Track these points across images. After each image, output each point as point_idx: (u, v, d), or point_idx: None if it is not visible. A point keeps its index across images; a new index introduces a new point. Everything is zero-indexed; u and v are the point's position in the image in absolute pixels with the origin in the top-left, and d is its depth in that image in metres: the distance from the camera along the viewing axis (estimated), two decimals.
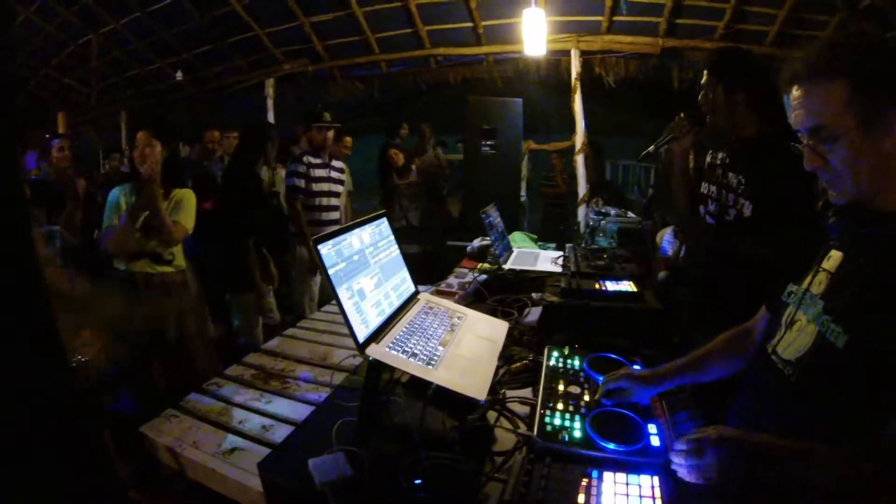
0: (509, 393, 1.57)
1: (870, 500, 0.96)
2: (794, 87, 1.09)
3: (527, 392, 1.58)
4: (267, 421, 1.85)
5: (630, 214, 5.40)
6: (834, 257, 1.15)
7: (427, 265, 5.00)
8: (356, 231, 1.49)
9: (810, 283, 1.18)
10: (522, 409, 1.49)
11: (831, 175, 1.08)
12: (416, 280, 1.88)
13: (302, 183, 3.89)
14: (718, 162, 2.28)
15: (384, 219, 1.70)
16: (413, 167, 5.73)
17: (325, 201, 4.05)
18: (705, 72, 2.26)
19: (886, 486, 0.93)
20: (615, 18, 5.50)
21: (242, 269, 3.47)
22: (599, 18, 5.53)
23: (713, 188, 2.29)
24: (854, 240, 1.13)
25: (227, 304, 3.62)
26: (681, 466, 1.06)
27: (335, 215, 4.16)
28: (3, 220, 0.58)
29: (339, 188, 4.18)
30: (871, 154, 1.03)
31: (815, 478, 0.97)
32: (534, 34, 4.71)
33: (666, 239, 5.03)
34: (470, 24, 5.86)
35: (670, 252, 4.89)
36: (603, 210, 4.89)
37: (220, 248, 3.57)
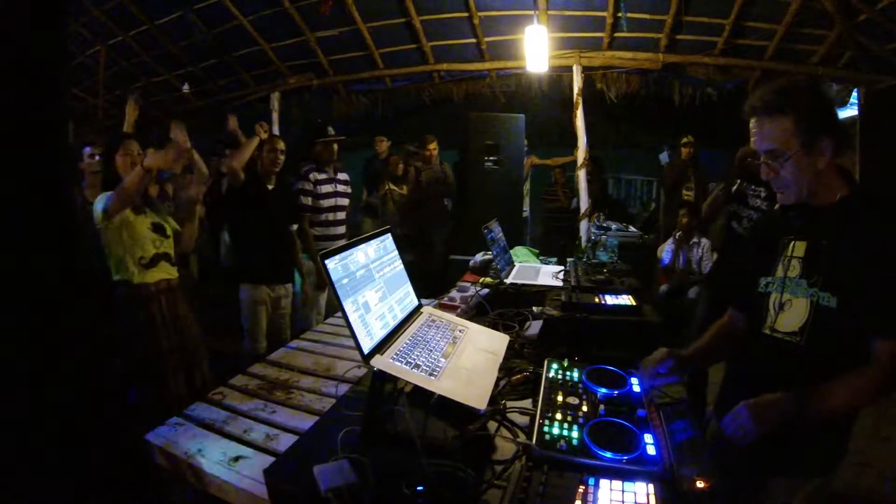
0: (510, 404, 1.61)
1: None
2: (753, 119, 1.46)
3: (527, 403, 1.62)
4: (271, 430, 1.87)
5: (632, 229, 5.45)
6: (798, 246, 1.51)
7: (427, 278, 5.04)
8: (362, 246, 1.54)
9: (786, 271, 1.51)
10: (522, 420, 1.52)
11: (781, 183, 1.47)
12: (418, 293, 1.92)
13: (309, 200, 3.93)
14: (756, 194, 2.97)
15: (388, 234, 1.74)
16: (421, 178, 5.76)
17: (331, 216, 4.08)
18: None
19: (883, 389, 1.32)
20: (616, 35, 5.56)
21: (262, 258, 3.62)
22: (601, 35, 5.59)
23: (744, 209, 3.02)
24: (813, 229, 1.48)
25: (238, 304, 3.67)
26: (731, 430, 1.36)
27: (341, 229, 4.19)
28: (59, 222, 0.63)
29: (345, 201, 4.22)
30: (810, 169, 1.42)
31: (832, 405, 1.33)
32: (536, 51, 4.77)
33: (666, 251, 5.10)
34: (473, 41, 5.93)
35: (668, 262, 4.98)
36: (604, 224, 4.94)
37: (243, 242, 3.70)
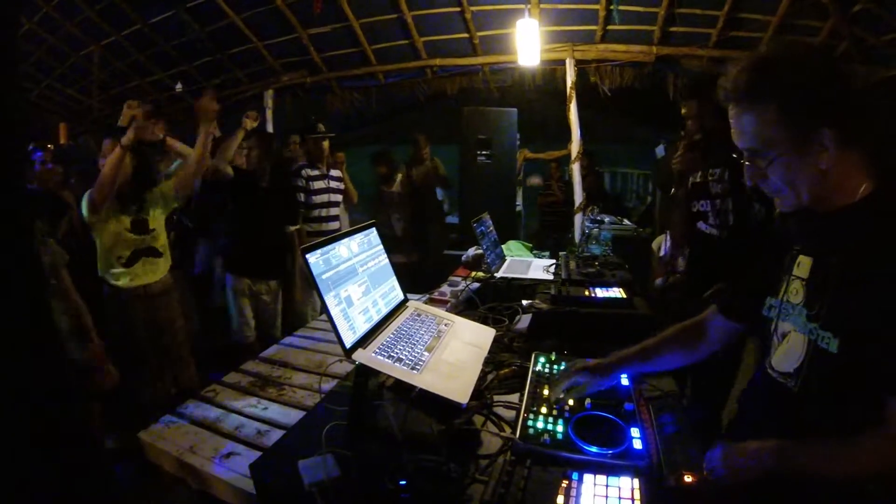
0: (497, 398, 1.61)
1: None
2: (731, 106, 1.13)
3: (514, 397, 1.61)
4: (263, 427, 1.88)
5: (626, 222, 5.44)
6: (804, 263, 1.18)
7: (419, 274, 5.04)
8: (345, 241, 1.53)
9: (786, 293, 1.21)
10: (509, 414, 1.52)
11: (772, 188, 1.13)
12: (409, 289, 1.92)
13: (301, 197, 3.95)
14: (716, 178, 2.73)
15: (373, 229, 1.74)
16: (398, 177, 5.73)
17: (324, 212, 4.11)
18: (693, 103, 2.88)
19: None
20: (609, 28, 5.54)
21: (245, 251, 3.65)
22: (594, 28, 5.57)
23: (709, 203, 2.77)
24: (821, 241, 1.16)
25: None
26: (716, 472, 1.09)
27: (335, 225, 4.21)
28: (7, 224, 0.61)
29: (338, 198, 4.24)
30: (808, 170, 1.07)
31: (827, 470, 1.01)
32: (528, 44, 4.76)
33: (664, 243, 5.10)
34: (466, 35, 5.91)
35: (666, 255, 4.96)
36: (598, 218, 4.93)
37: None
